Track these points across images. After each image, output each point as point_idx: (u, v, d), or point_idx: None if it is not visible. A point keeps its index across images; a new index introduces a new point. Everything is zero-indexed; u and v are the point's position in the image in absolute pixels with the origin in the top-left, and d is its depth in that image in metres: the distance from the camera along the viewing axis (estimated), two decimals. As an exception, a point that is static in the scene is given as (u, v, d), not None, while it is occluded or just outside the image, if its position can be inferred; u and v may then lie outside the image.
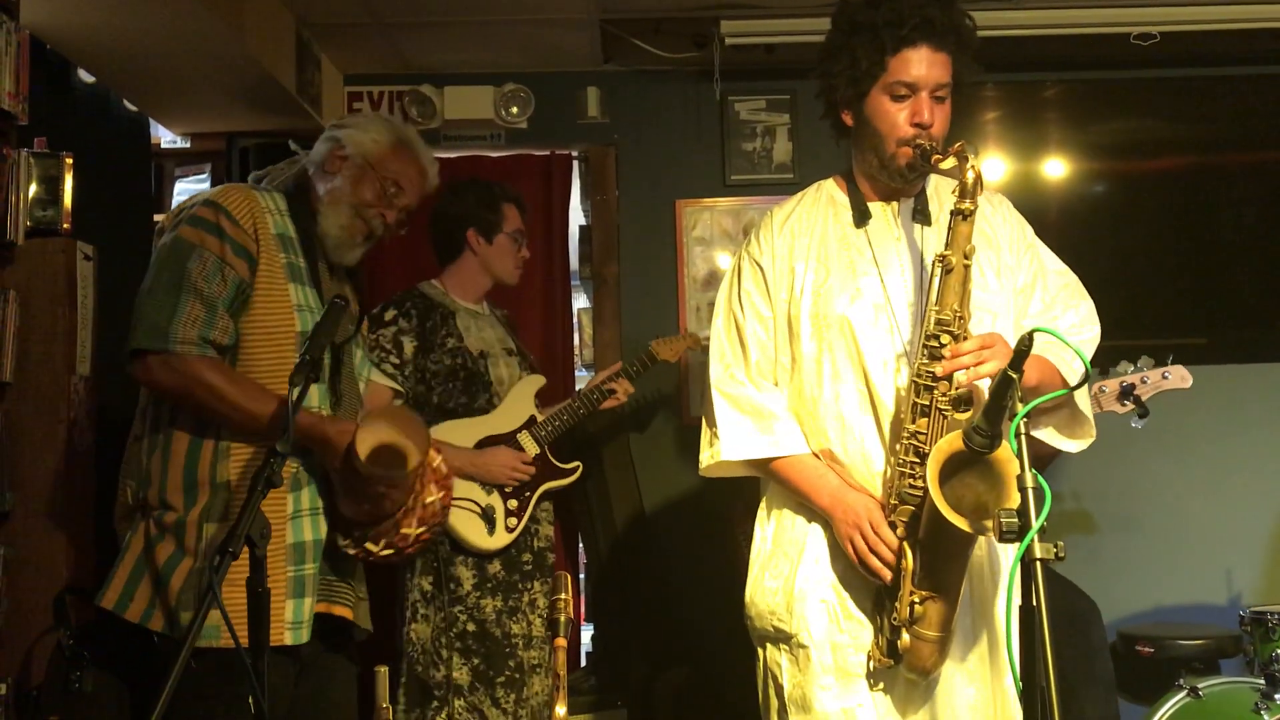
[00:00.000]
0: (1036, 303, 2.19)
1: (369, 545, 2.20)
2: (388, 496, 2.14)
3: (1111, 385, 3.15)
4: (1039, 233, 2.28)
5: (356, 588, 2.30)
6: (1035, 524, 1.59)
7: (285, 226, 2.25)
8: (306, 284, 2.25)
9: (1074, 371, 2.08)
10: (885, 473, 2.07)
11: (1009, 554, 2.06)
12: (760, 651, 2.20)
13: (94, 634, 2.56)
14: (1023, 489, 1.62)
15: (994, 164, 4.33)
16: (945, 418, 1.97)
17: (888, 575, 2.00)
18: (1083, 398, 2.12)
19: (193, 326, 2.09)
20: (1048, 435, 2.17)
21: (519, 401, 3.30)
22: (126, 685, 2.57)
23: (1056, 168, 4.37)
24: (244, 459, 2.12)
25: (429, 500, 2.20)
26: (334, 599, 2.23)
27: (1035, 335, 1.68)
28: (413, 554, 2.34)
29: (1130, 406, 3.16)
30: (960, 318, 1.97)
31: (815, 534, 2.14)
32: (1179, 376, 3.16)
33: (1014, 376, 1.68)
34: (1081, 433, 2.18)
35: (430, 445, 2.14)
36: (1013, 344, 2.01)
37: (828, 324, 2.11)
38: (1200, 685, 3.01)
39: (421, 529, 2.22)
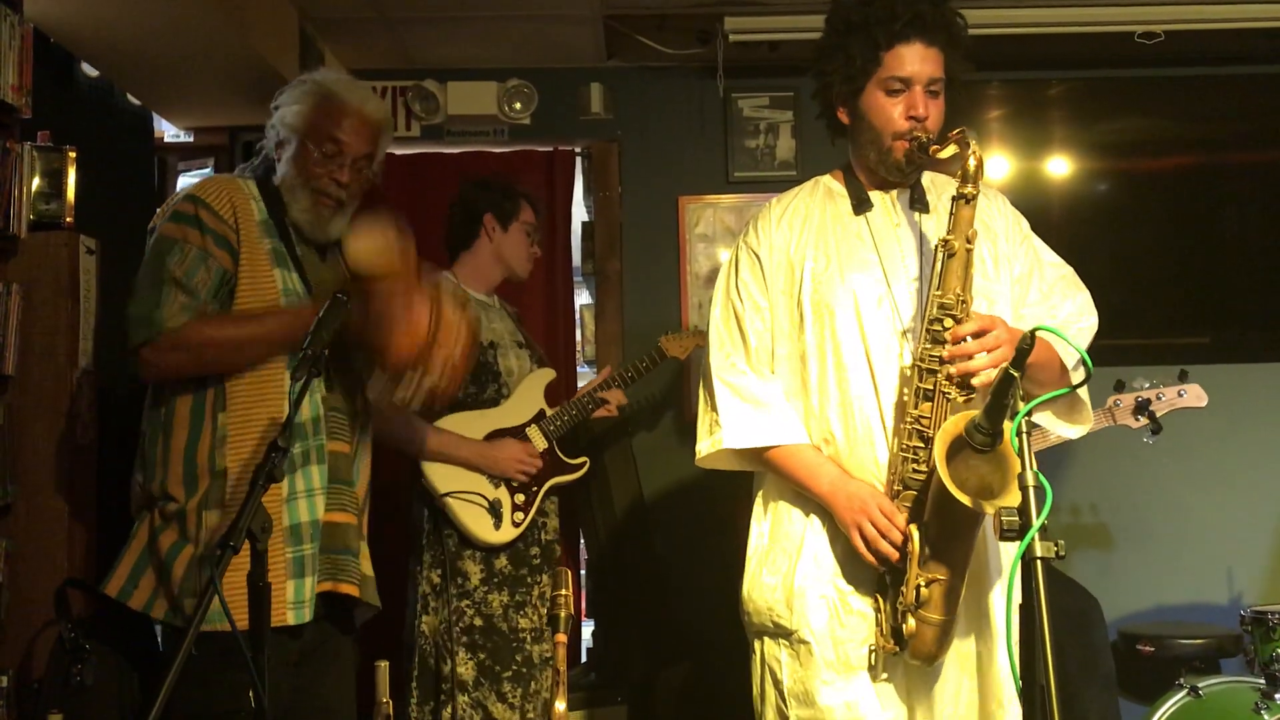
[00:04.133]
0: (1034, 292, 2.21)
1: (399, 391, 2.21)
2: (400, 298, 2.15)
3: (1127, 400, 3.18)
4: (1042, 231, 2.30)
5: (361, 564, 2.29)
6: (1036, 523, 1.59)
7: (265, 213, 2.26)
8: (291, 269, 2.25)
9: (1070, 354, 2.10)
10: (889, 457, 2.08)
11: (1008, 545, 2.07)
12: (757, 645, 2.21)
13: (95, 627, 2.57)
14: (1024, 487, 1.62)
15: (998, 162, 4.33)
16: (949, 401, 1.99)
17: (896, 556, 2.01)
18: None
19: (179, 311, 2.12)
20: (1047, 420, 2.19)
21: (529, 395, 3.30)
22: (128, 677, 2.58)
23: (1060, 166, 4.37)
24: (240, 445, 2.13)
25: (452, 345, 2.21)
26: (339, 577, 2.22)
27: (1037, 334, 1.68)
28: (449, 393, 2.31)
29: (1144, 422, 3.19)
30: (963, 301, 2.00)
31: (813, 528, 2.15)
32: (1194, 395, 3.19)
33: (1015, 375, 1.68)
34: (1080, 418, 2.20)
35: (406, 241, 2.19)
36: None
37: (829, 310, 2.13)
38: (1201, 684, 3.01)
39: (447, 373, 2.22)
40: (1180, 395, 3.19)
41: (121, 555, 2.17)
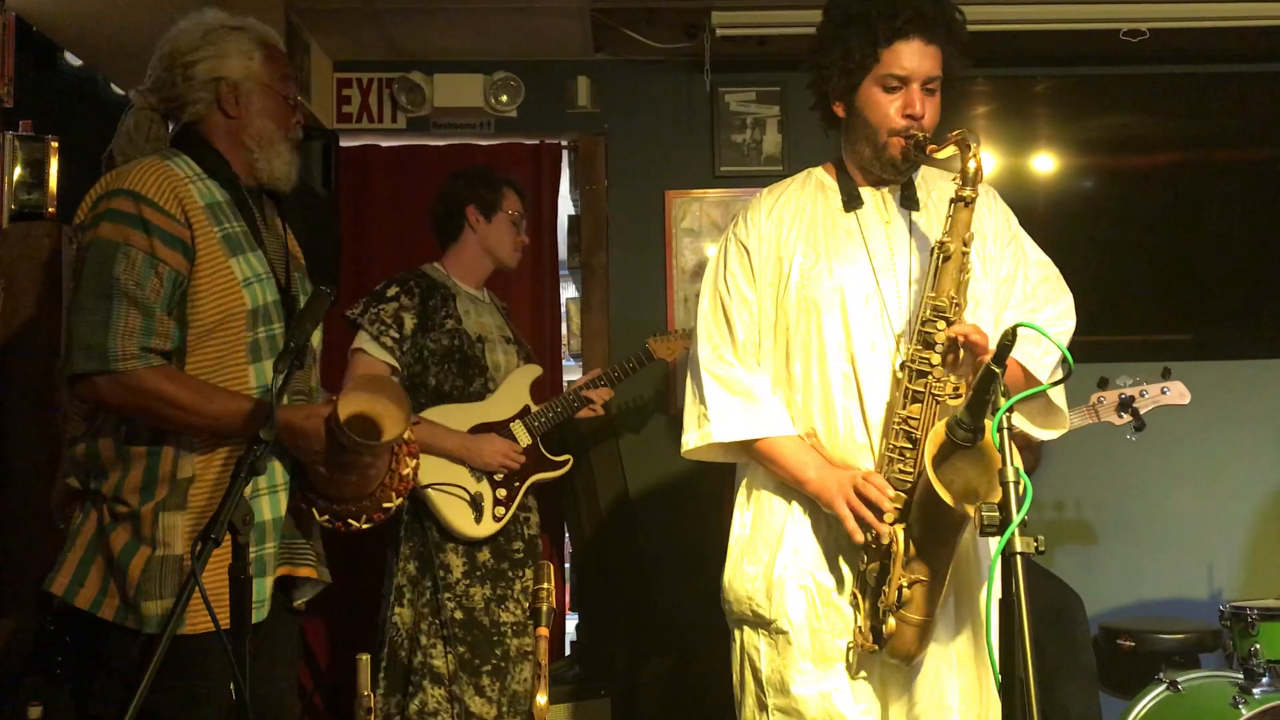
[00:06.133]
0: (1017, 294, 2.21)
1: (351, 521, 2.16)
2: (372, 466, 2.09)
3: (1110, 397, 3.19)
4: (1027, 227, 2.30)
5: (315, 545, 2.23)
6: (1016, 518, 1.60)
7: (210, 193, 2.07)
8: (247, 251, 2.09)
9: (1042, 366, 2.11)
10: (875, 457, 2.08)
11: (992, 542, 2.08)
12: (736, 634, 2.22)
13: (77, 622, 2.55)
14: (1004, 483, 1.63)
15: (984, 158, 4.32)
16: (938, 403, 1.98)
17: (884, 526, 1.99)
18: (1057, 390, 2.14)
19: (131, 338, 1.95)
20: (1021, 423, 2.18)
21: (514, 390, 3.30)
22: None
23: (1046, 163, 4.38)
24: (206, 455, 2.03)
25: (405, 472, 2.17)
26: (296, 561, 2.17)
27: (1018, 331, 1.69)
28: (384, 521, 2.30)
29: (1127, 419, 3.20)
30: (956, 305, 1.99)
31: (794, 519, 2.15)
32: (1178, 393, 3.20)
33: (996, 371, 1.69)
34: (1054, 422, 2.20)
35: (409, 414, 2.08)
36: (991, 334, 2.04)
37: (816, 306, 2.13)
38: (1180, 679, 3.03)
39: (399, 500, 2.20)
40: (1164, 393, 3.21)
41: (65, 552, 2.04)
